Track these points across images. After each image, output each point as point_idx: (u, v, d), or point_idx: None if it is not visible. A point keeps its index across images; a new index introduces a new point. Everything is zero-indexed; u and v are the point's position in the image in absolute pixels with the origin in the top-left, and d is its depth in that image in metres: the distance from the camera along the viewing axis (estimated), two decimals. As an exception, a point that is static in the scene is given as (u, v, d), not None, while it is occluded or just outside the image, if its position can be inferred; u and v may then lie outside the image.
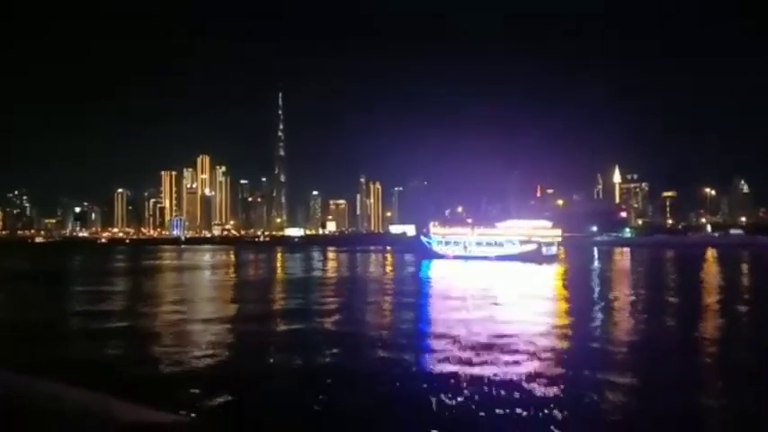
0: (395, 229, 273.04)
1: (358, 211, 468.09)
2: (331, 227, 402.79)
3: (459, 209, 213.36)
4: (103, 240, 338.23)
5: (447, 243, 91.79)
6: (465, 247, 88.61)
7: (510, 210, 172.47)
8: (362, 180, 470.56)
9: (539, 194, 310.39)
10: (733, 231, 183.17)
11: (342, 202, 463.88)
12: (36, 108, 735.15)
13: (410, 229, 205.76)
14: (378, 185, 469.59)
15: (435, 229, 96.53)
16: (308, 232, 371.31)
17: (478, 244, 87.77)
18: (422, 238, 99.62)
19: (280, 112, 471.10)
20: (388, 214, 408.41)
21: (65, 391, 4.86)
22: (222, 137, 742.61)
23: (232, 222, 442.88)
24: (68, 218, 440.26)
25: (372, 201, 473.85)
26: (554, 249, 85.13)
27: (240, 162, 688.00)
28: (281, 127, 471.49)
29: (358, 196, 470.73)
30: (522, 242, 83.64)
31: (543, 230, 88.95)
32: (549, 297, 41.46)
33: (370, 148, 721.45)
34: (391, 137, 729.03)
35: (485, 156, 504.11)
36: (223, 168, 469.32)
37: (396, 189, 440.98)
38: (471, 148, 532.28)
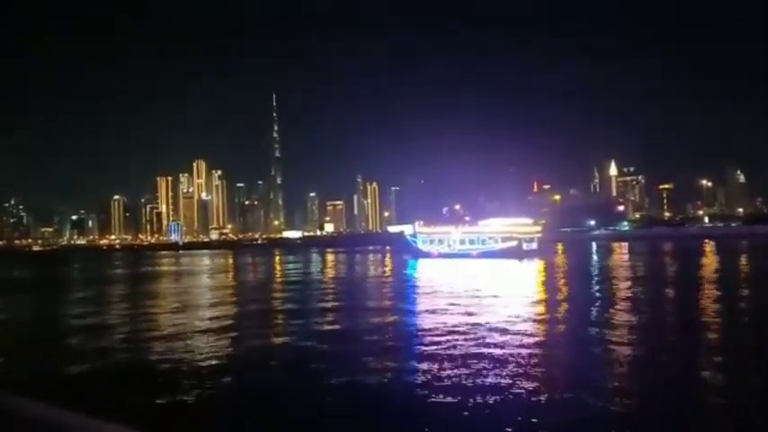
0: (393, 228, 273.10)
1: (355, 212, 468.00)
2: (329, 228, 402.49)
3: (457, 206, 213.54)
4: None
5: (432, 242, 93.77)
6: (449, 245, 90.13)
7: (507, 206, 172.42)
8: (359, 180, 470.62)
9: (536, 190, 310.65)
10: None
11: (339, 202, 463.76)
12: (31, 117, 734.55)
13: (408, 229, 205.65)
14: (374, 185, 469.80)
15: (421, 228, 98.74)
16: (306, 234, 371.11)
17: (462, 242, 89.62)
18: (407, 237, 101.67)
19: (274, 113, 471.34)
20: (386, 214, 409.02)
21: (61, 414, 4.66)
22: (217, 141, 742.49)
23: (230, 226, 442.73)
24: (65, 226, 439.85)
25: (369, 201, 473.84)
26: (534, 245, 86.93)
27: (236, 166, 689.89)
28: (276, 128, 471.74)
29: (355, 197, 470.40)
30: (504, 239, 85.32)
31: (523, 227, 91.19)
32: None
33: (365, 148, 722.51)
34: (387, 136, 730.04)
35: (481, 153, 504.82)
36: (219, 172, 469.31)
37: (393, 189, 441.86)
38: (467, 145, 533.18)
